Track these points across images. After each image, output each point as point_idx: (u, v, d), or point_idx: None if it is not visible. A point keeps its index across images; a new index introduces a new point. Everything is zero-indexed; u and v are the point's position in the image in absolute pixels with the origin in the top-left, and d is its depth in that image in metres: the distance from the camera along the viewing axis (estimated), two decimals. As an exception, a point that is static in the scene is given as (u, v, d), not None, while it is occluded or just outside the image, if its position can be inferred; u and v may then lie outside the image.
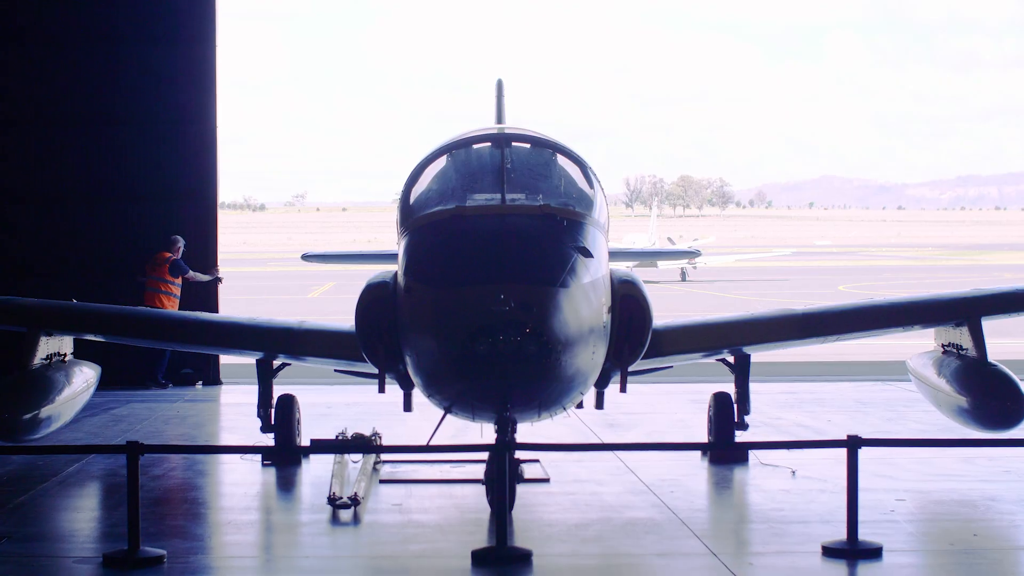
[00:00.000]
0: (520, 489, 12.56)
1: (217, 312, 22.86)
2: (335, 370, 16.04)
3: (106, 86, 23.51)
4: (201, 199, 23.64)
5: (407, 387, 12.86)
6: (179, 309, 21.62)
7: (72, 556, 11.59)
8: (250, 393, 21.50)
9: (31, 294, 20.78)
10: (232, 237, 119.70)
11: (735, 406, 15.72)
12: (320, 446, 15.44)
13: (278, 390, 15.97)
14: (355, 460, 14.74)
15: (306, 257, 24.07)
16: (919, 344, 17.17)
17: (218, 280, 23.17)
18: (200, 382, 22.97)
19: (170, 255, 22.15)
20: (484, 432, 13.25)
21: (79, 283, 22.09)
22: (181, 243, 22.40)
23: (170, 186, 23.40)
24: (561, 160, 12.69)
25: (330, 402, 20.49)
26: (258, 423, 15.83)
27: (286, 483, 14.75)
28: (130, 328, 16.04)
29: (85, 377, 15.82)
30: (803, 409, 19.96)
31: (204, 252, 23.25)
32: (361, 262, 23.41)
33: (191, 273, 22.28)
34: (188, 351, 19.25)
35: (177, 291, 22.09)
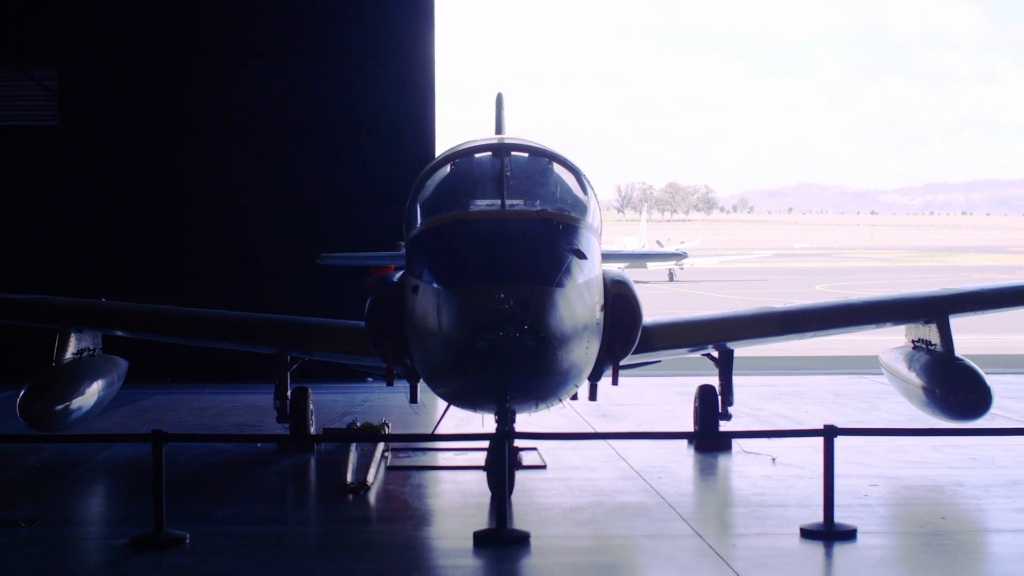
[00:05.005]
0: (519, 475, 12.54)
1: None
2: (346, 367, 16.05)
3: (336, 98, 23.60)
4: None
5: (413, 380, 12.85)
6: None
7: (101, 538, 11.60)
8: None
9: (264, 299, 21.52)
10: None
11: (719, 398, 15.72)
12: (332, 435, 15.44)
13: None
14: (365, 448, 14.73)
15: (322, 259, 24.00)
16: (891, 340, 17.18)
17: None
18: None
19: None
20: (485, 422, 13.25)
21: (297, 282, 22.69)
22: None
23: (389, 192, 23.23)
24: (557, 168, 12.67)
25: (341, 396, 20.48)
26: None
27: (300, 470, 14.73)
28: (152, 325, 16.04)
29: (113, 371, 15.83)
30: (783, 400, 19.95)
31: None
32: (373, 263, 23.34)
33: None
34: (208, 347, 19.19)
35: None
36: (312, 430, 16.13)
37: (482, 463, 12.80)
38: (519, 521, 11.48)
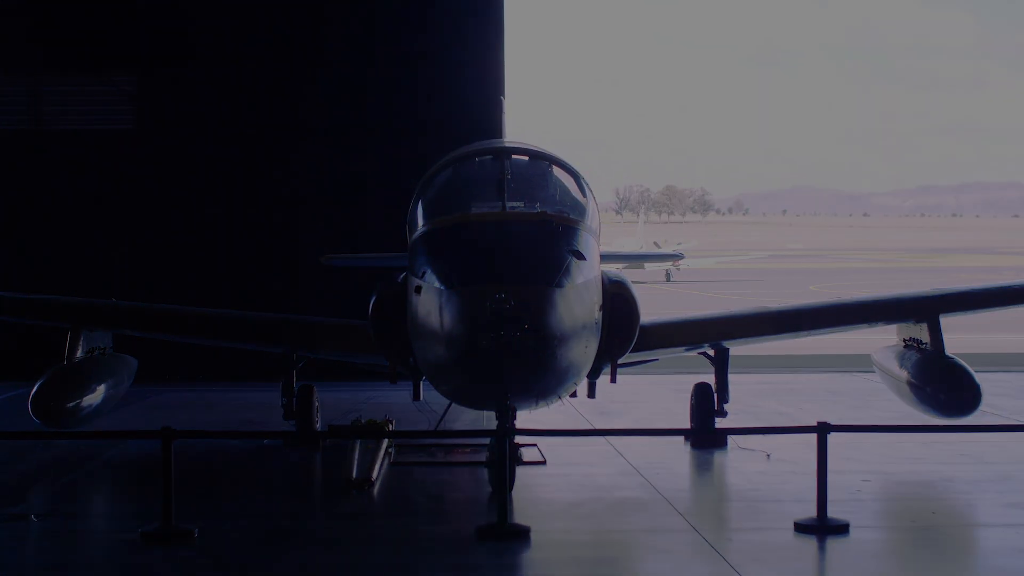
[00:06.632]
0: (519, 471, 12.53)
1: None
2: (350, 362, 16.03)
3: (404, 101, 23.40)
4: None
5: (416, 378, 12.87)
6: None
7: (111, 532, 11.61)
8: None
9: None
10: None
11: (715, 395, 15.73)
12: (337, 431, 15.44)
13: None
14: (369, 445, 14.71)
15: (327, 260, 23.94)
16: (883, 339, 17.17)
17: None
18: None
19: None
20: (486, 419, 13.26)
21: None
22: None
23: None
24: (556, 171, 12.69)
25: (346, 394, 20.47)
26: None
27: (306, 465, 14.74)
28: (160, 324, 16.05)
29: (124, 369, 15.84)
30: (778, 398, 19.94)
31: None
32: (378, 264, 23.27)
33: None
34: (217, 346, 19.25)
35: None
36: (317, 427, 16.14)
37: (483, 459, 12.83)
38: (520, 516, 11.48)
